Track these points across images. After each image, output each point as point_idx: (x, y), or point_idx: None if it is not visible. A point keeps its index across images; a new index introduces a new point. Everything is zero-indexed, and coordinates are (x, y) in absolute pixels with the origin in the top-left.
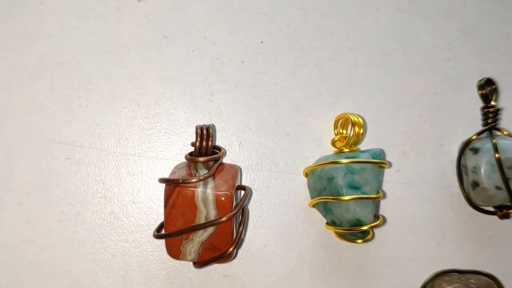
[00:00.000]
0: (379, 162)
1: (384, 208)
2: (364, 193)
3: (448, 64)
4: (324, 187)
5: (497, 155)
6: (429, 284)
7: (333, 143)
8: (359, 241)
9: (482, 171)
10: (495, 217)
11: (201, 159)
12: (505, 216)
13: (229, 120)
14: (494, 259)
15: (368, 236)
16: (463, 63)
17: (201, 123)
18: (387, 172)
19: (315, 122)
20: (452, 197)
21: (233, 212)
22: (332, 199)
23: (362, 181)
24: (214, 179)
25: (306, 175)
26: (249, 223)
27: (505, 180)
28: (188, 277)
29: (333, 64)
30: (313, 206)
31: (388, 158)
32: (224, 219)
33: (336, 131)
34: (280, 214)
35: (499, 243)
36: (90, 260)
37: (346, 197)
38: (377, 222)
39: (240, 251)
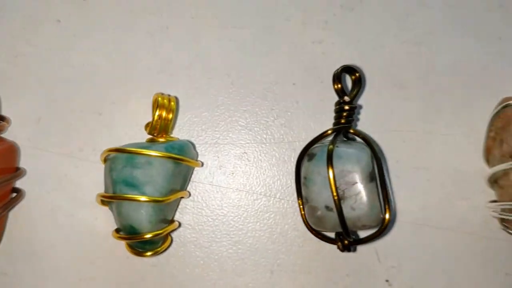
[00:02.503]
0: (175, 158)
1: (207, 218)
2: (143, 194)
3: (318, 48)
4: (106, 180)
5: (330, 168)
6: None
7: (146, 127)
8: (148, 253)
9: (312, 184)
10: None
11: None
12: (346, 249)
13: (29, 89)
14: None
15: (159, 248)
16: (340, 48)
17: None
18: (219, 173)
19: (136, 102)
20: (298, 214)
21: None
22: (106, 197)
23: (145, 178)
24: None
25: (105, 161)
26: (26, 219)
27: (338, 199)
28: None
29: (170, 33)
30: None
31: (222, 158)
32: None
33: (154, 114)
34: (75, 209)
35: (352, 281)
36: None
37: (117, 196)
38: (161, 231)
39: (18, 249)
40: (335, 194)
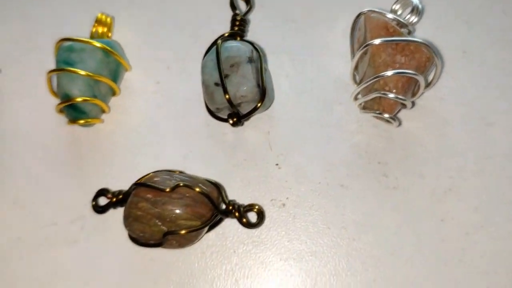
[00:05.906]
0: (101, 47)
1: (143, 114)
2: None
3: None
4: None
5: (218, 54)
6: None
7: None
8: (81, 121)
9: (206, 68)
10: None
11: None
12: (235, 124)
13: None
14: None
15: (90, 120)
16: None
17: None
18: (148, 85)
19: None
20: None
21: None
22: (52, 70)
23: (78, 58)
24: None
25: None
26: None
27: (221, 74)
28: None
29: None
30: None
31: (151, 71)
32: None
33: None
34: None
35: (249, 164)
36: None
37: (58, 69)
38: (89, 98)
39: None
40: (220, 72)
